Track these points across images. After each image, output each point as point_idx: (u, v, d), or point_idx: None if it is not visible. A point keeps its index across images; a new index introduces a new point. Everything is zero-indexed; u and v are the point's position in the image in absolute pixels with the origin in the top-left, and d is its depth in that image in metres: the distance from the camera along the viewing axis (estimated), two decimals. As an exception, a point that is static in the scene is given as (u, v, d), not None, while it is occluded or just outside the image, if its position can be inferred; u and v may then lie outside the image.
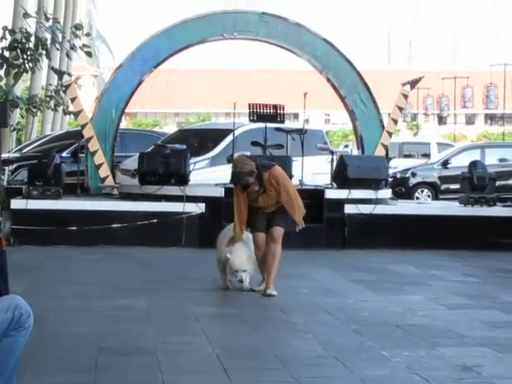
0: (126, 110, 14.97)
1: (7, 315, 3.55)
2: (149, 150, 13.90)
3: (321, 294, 7.95)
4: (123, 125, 17.02)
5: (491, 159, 19.33)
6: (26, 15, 13.66)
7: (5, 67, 12.34)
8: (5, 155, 14.21)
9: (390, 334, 6.13)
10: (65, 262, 9.86)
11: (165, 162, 12.12)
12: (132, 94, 13.83)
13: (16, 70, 12.22)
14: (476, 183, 12.41)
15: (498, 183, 14.03)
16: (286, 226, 7.91)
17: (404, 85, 14.42)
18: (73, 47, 13.63)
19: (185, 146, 13.26)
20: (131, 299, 7.33)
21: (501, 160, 19.96)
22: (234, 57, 64.01)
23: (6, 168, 14.17)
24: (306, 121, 14.52)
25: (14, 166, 15.20)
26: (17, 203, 11.46)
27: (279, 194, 7.78)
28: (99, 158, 13.43)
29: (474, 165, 12.74)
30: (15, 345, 3.57)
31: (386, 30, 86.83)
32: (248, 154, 9.52)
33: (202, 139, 15.12)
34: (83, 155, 13.85)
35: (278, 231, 7.87)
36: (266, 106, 13.34)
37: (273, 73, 56.26)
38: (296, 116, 45.98)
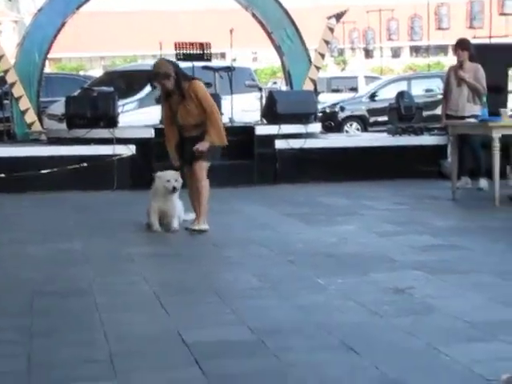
0: (50, 56, 14.72)
1: None
2: (75, 93, 13.71)
3: (254, 228, 8.01)
4: (48, 70, 16.73)
5: (418, 90, 19.60)
6: None
7: None
8: None
9: (325, 263, 6.23)
10: (-5, 210, 9.74)
11: (92, 104, 11.96)
12: (55, 36, 13.56)
13: None
14: (403, 113, 12.54)
15: (425, 113, 14.24)
16: (209, 158, 7.74)
17: (329, 18, 14.45)
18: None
19: (112, 89, 13.11)
20: (66, 243, 7.28)
21: (427, 90, 20.24)
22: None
23: None
24: (234, 60, 14.46)
25: None
26: None
27: (199, 109, 7.63)
28: (24, 103, 13.20)
29: (400, 95, 12.87)
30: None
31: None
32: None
33: (129, 81, 14.95)
34: (8, 102, 13.59)
35: (199, 166, 7.69)
36: (193, 44, 13.26)
37: (199, 13, 55.62)
38: (223, 55, 45.61)
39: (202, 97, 7.66)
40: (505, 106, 10.98)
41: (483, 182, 10.63)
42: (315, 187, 11.25)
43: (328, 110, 20.57)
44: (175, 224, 7.80)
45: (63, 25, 13.64)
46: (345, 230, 7.76)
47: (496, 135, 9.07)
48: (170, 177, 7.74)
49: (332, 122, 19.89)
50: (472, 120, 10.09)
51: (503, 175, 10.42)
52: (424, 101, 17.23)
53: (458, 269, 5.93)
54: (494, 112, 9.45)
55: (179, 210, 7.94)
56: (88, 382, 3.70)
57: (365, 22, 33.92)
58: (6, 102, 13.66)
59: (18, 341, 4.28)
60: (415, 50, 54.14)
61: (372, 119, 20.20)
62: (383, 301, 5.03)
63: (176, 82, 7.63)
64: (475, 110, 10.53)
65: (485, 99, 9.93)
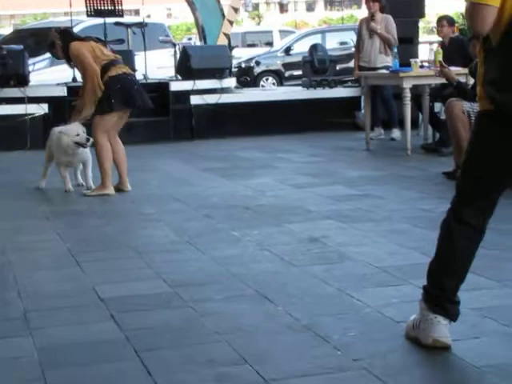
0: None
1: None
2: (-17, 52, 13.35)
3: (170, 184, 8.00)
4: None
5: (332, 43, 19.69)
6: None
7: None
8: None
9: (240, 216, 6.28)
10: None
11: (2, 63, 11.66)
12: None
13: None
14: (317, 66, 12.58)
15: (339, 66, 14.34)
16: (98, 111, 7.39)
17: (242, -28, 14.36)
18: None
19: (22, 47, 12.81)
20: (-23, 204, 7.17)
21: (341, 43, 20.35)
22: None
23: None
24: (148, 16, 14.29)
25: None
26: None
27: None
28: None
29: (314, 48, 12.89)
30: None
31: None
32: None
33: (40, 39, 14.61)
34: None
35: (92, 124, 7.46)
36: (104, 0, 13.03)
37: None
38: (137, 12, 45.02)
39: (73, 59, 7.49)
40: (416, 56, 11.12)
41: (396, 132, 10.81)
42: (231, 142, 11.26)
43: (243, 65, 20.55)
44: (90, 182, 7.68)
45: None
46: (261, 183, 7.81)
47: (407, 85, 9.20)
48: (77, 130, 7.42)
49: (248, 77, 19.90)
50: (384, 71, 10.21)
51: (415, 125, 10.63)
52: (338, 54, 17.32)
53: (370, 217, 6.05)
54: (406, 63, 9.57)
55: (90, 163, 7.68)
56: (2, 340, 3.68)
57: (279, -24, 33.80)
58: None
59: None
60: (329, 4, 54.31)
61: (287, 73, 20.25)
62: (298, 250, 5.11)
63: (63, 49, 7.49)
64: (387, 60, 10.65)
65: (396, 50, 10.04)
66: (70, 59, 7.58)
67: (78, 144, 7.47)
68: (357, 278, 4.44)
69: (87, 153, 7.63)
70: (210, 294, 4.25)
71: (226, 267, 4.77)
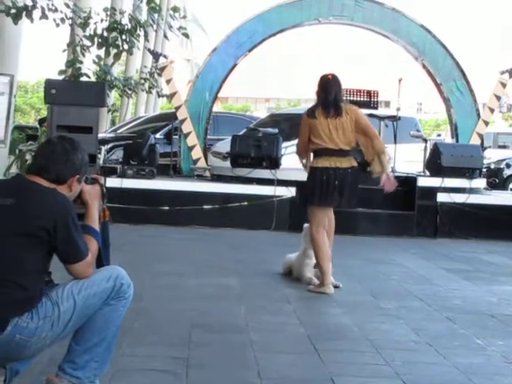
0: (218, 95, 15.05)
1: (109, 284, 3.61)
2: (241, 133, 13.98)
3: (412, 280, 7.86)
4: (215, 109, 17.12)
5: None
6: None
7: (104, 48, 12.56)
8: (101, 135, 14.47)
9: (484, 324, 6.03)
10: (157, 241, 9.99)
11: (257, 145, 12.18)
12: (226, 77, 13.89)
13: (116, 51, 12.39)
14: None
15: None
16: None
17: (502, 73, 14.13)
18: (170, 28, 13.76)
19: (277, 130, 13.29)
20: (224, 278, 7.39)
21: None
22: (322, 42, 63.55)
23: (102, 147, 14.43)
24: (398, 109, 14.39)
25: (110, 145, 15.47)
26: (112, 182, 11.63)
27: None
28: (192, 139, 13.55)
29: None
30: (115, 313, 3.63)
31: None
32: None
33: (293, 124, 15.06)
34: (176, 137, 14.01)
35: None
36: (360, 91, 13.28)
37: (361, 59, 55.81)
38: (387, 104, 45.57)
39: None
40: None
41: None
42: (476, 244, 10.96)
43: (493, 166, 20.07)
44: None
45: (234, 66, 13.95)
46: (507, 291, 7.49)
47: None
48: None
49: (496, 179, 19.40)
50: None
51: None
52: None
53: None
54: None
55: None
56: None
57: (537, 79, 33.02)
58: (174, 137, 14.08)
59: (175, 371, 4.34)
60: None
61: (540, 179, 19.57)
62: (548, 369, 4.81)
63: None
64: None
65: None
66: None
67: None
68: None
69: None
70: (452, 402, 4.07)
71: (468, 376, 4.56)
